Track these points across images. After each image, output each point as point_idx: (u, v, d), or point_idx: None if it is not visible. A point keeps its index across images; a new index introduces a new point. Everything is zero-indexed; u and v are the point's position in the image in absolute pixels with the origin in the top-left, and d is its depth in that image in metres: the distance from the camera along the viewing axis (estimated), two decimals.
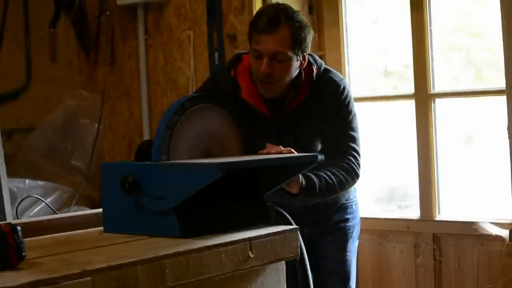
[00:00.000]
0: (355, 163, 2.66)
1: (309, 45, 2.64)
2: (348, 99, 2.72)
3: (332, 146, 2.70)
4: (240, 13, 3.96)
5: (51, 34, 4.77)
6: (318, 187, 2.50)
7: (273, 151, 2.30)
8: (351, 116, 2.72)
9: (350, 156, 2.66)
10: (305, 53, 2.63)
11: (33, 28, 4.75)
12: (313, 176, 2.50)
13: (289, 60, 2.57)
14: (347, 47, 3.98)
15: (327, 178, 2.55)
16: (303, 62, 2.65)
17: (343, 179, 2.61)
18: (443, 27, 3.72)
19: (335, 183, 2.57)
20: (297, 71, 2.65)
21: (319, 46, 3.94)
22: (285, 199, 2.71)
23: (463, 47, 3.75)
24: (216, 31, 4.07)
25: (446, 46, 3.76)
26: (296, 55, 2.58)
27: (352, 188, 2.96)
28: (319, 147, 2.76)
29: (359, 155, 2.69)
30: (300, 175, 2.44)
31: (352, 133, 2.70)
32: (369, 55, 4.02)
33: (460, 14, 3.76)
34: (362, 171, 2.71)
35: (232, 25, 3.99)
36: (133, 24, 4.44)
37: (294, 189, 2.44)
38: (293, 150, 2.35)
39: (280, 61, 2.56)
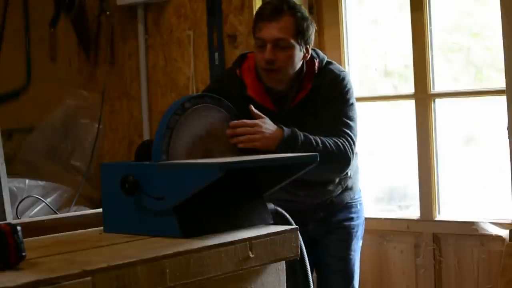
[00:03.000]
0: (348, 146, 2.60)
1: (312, 37, 2.68)
2: (346, 88, 2.71)
3: (325, 130, 2.64)
4: (240, 13, 3.96)
5: (51, 34, 4.77)
6: (300, 141, 2.48)
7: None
8: (348, 105, 2.70)
9: (344, 139, 2.61)
10: (308, 46, 2.67)
11: (33, 28, 4.75)
12: (297, 131, 2.49)
13: (292, 48, 2.61)
14: (347, 47, 3.98)
15: (312, 140, 2.51)
16: (307, 54, 2.68)
17: (331, 149, 2.54)
18: (443, 27, 3.72)
19: (321, 148, 2.51)
20: (301, 63, 2.67)
21: (319, 46, 3.93)
22: (291, 196, 2.72)
23: (463, 47, 3.75)
24: (216, 31, 4.07)
25: (446, 46, 3.76)
26: (299, 45, 2.62)
27: (357, 188, 2.96)
28: None
29: (353, 142, 2.64)
30: (284, 127, 2.47)
31: (348, 120, 2.67)
32: (369, 55, 4.03)
33: (460, 14, 3.76)
34: (353, 159, 2.65)
35: (232, 25, 3.99)
36: (133, 24, 4.44)
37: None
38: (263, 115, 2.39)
39: (282, 48, 2.60)
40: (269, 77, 2.65)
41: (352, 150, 2.62)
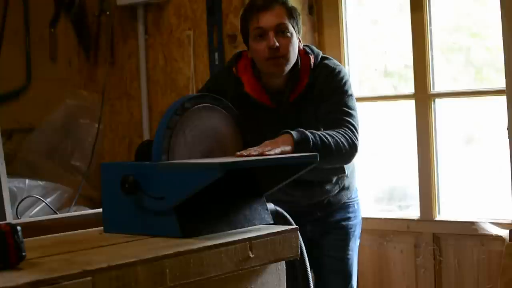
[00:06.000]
0: (352, 134, 2.57)
1: (301, 28, 2.74)
2: (344, 81, 2.70)
3: (327, 122, 2.62)
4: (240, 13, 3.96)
5: (51, 34, 4.77)
6: (312, 141, 2.41)
7: (256, 153, 2.23)
8: (347, 96, 2.68)
9: (347, 128, 2.59)
10: (299, 36, 2.71)
11: (33, 28, 4.75)
12: (306, 132, 2.43)
13: (291, 33, 2.65)
14: (347, 47, 3.98)
15: (322, 136, 2.46)
16: (300, 44, 2.71)
17: (339, 142, 2.50)
18: (443, 27, 3.72)
19: (331, 143, 2.47)
20: (297, 52, 2.69)
21: (319, 45, 3.94)
22: (288, 196, 2.71)
23: (463, 47, 3.76)
24: (216, 31, 4.07)
25: (446, 46, 3.76)
26: (295, 31, 2.67)
27: (354, 187, 2.96)
28: None
29: (356, 129, 2.61)
30: (291, 131, 2.38)
31: (348, 110, 2.65)
32: (369, 55, 4.03)
33: (460, 14, 3.76)
34: (360, 145, 2.60)
35: (232, 25, 3.99)
36: (133, 24, 4.44)
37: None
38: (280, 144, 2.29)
39: (283, 33, 2.63)
40: (276, 65, 2.64)
41: (356, 137, 2.59)
